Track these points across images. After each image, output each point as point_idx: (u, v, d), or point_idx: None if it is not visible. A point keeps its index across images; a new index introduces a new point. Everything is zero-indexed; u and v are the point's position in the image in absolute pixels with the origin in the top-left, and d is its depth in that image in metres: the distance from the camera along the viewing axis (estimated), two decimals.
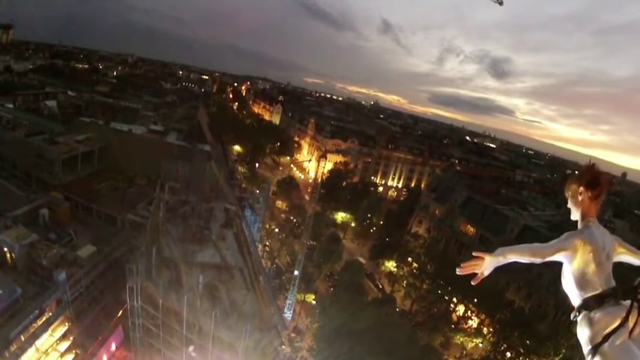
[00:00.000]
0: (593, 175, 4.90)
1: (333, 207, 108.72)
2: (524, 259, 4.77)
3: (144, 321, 43.22)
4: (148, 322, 42.85)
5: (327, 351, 59.55)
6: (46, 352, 40.71)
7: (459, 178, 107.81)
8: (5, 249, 40.46)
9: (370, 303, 70.40)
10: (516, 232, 77.90)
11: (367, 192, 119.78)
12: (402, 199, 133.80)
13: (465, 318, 74.93)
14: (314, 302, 76.07)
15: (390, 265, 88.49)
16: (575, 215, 5.10)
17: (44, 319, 39.46)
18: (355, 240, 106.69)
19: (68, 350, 43.46)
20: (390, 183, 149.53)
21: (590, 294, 4.60)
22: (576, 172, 5.14)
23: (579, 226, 5.01)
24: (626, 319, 4.23)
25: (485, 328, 71.36)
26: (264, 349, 41.41)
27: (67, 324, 42.78)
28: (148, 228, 45.87)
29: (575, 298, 4.72)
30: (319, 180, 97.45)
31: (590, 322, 4.43)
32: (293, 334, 68.32)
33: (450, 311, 76.15)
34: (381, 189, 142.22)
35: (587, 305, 4.54)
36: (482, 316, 72.56)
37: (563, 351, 58.72)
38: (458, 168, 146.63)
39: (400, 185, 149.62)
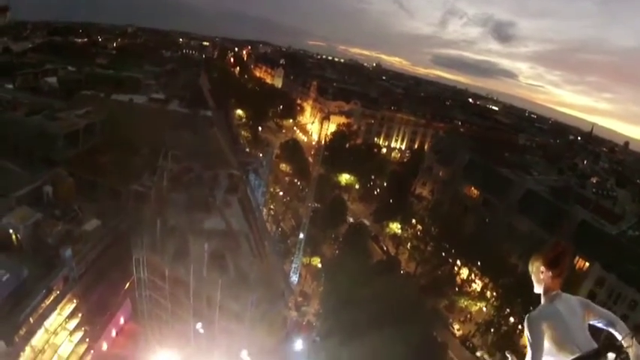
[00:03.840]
0: (554, 256, 5.15)
1: (336, 169, 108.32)
2: None
3: (151, 292, 43.84)
4: (156, 293, 43.46)
5: (333, 315, 60.13)
6: (55, 332, 40.80)
7: (463, 141, 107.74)
8: (10, 231, 39.97)
9: (375, 265, 71.07)
10: (520, 196, 77.94)
11: (370, 153, 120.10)
12: (405, 160, 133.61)
13: (468, 281, 75.46)
14: (319, 265, 76.80)
15: (395, 227, 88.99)
16: (538, 289, 5.35)
17: (52, 297, 39.30)
18: (359, 202, 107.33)
19: (77, 328, 43.57)
20: (393, 145, 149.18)
21: (569, 358, 4.70)
22: (540, 251, 5.33)
23: (542, 300, 5.29)
24: None
25: (488, 292, 71.89)
26: (271, 316, 42.21)
27: (74, 301, 42.71)
28: (152, 198, 45.95)
29: None
30: (322, 142, 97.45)
31: None
32: (300, 299, 69.17)
33: (454, 274, 76.73)
34: (384, 150, 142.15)
35: None
36: (486, 280, 73.00)
37: None
38: (461, 130, 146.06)
39: (403, 147, 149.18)
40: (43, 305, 38.31)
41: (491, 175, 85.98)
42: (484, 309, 71.09)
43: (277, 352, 46.24)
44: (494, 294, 69.84)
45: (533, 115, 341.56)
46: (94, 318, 45.30)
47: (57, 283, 39.80)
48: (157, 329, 46.60)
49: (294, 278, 71.07)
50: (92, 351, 44.95)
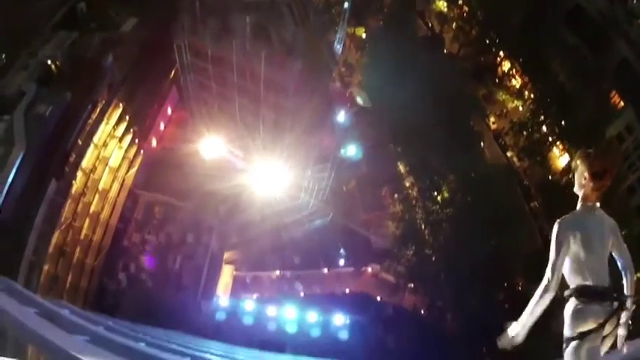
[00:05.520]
0: (601, 169, 4.91)
1: None
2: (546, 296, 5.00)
3: (195, 76, 43.87)
4: (200, 75, 43.60)
5: (375, 86, 61.95)
6: (104, 144, 41.03)
7: None
8: (49, 62, 37.55)
9: (420, 40, 70.93)
10: (569, 7, 69.26)
11: None
12: None
13: (509, 75, 74.48)
14: (364, 36, 75.70)
15: (441, 4, 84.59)
16: (578, 191, 5.19)
17: (98, 110, 38.80)
18: None
19: (126, 131, 43.75)
20: None
21: (581, 283, 4.85)
22: (589, 152, 5.09)
23: (578, 204, 5.18)
24: (602, 326, 4.55)
25: (526, 93, 71.25)
26: (315, 86, 43.03)
27: (121, 105, 42.53)
28: None
29: (568, 280, 5.01)
30: None
31: (575, 312, 4.74)
32: (343, 69, 69.11)
33: (495, 64, 76.02)
34: None
35: (578, 294, 4.80)
36: (526, 79, 71.69)
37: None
38: None
39: None
40: (90, 122, 38.07)
41: None
42: (520, 108, 71.10)
43: (321, 124, 47.89)
44: (532, 96, 69.53)
45: None
46: (142, 115, 45.77)
47: (101, 93, 39.47)
48: (205, 112, 47.51)
49: (338, 47, 69.05)
50: (142, 151, 46.22)
